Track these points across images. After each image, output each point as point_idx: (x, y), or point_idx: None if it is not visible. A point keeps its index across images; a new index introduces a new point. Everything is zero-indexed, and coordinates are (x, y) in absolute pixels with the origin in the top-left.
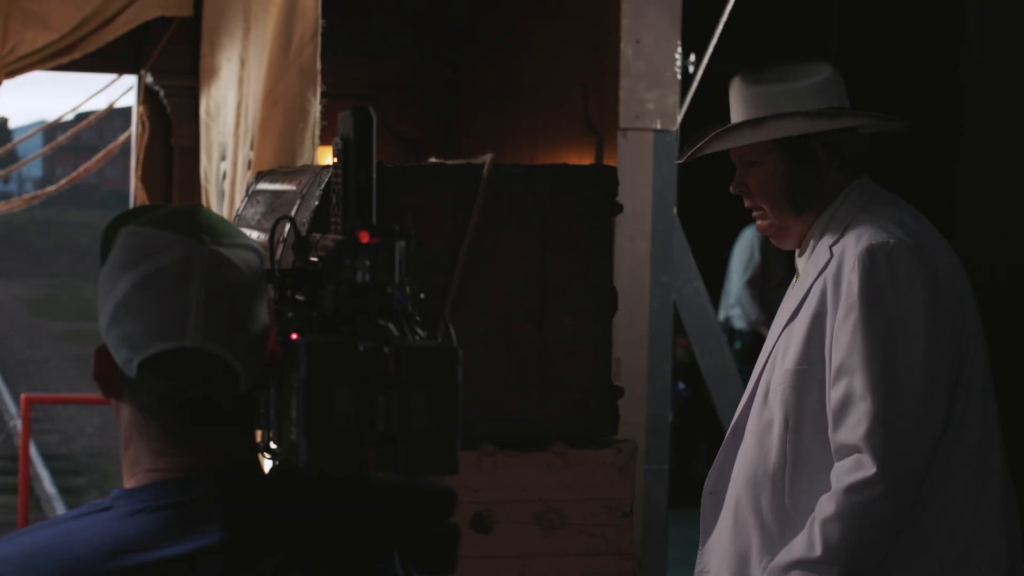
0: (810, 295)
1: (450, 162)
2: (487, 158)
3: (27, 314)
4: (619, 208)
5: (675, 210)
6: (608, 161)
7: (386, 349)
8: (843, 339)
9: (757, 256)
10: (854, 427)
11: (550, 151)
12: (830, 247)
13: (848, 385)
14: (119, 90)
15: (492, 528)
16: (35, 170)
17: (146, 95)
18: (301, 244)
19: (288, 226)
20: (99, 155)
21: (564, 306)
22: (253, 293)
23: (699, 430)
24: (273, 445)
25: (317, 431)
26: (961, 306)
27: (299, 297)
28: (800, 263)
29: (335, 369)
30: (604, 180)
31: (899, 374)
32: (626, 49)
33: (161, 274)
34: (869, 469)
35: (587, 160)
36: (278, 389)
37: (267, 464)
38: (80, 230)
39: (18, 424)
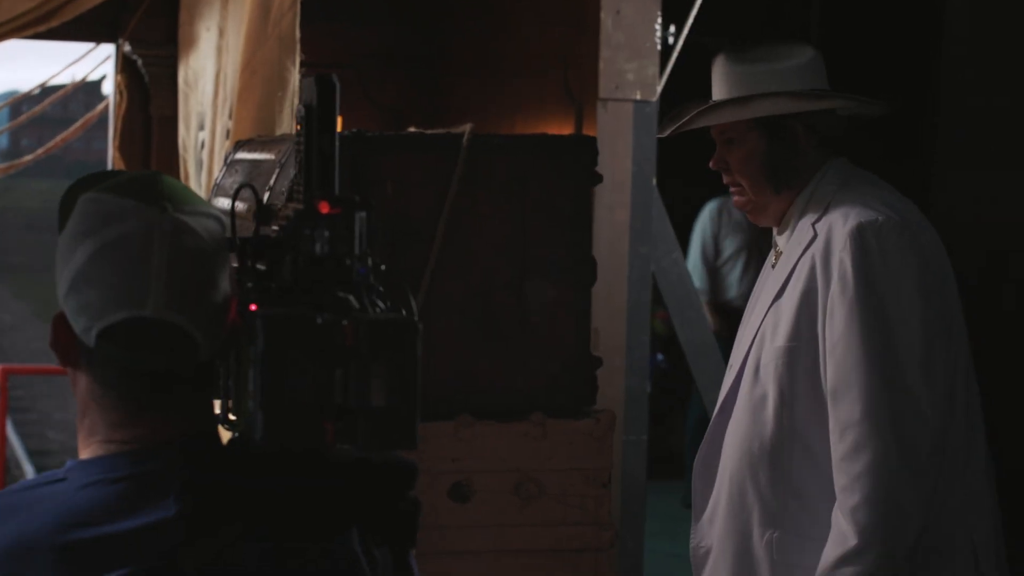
0: (796, 272)
1: (429, 131)
2: (467, 127)
3: None
4: (599, 178)
5: (654, 181)
6: (588, 132)
7: (345, 322)
8: (838, 317)
9: (708, 231)
10: (856, 404)
11: (530, 121)
12: (812, 225)
13: (847, 361)
14: (93, 61)
15: (470, 498)
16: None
17: (124, 64)
18: (262, 213)
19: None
20: (77, 124)
21: (543, 276)
22: (214, 262)
23: (677, 402)
24: (231, 416)
25: (274, 404)
26: (945, 279)
27: (259, 267)
28: (780, 241)
29: (293, 341)
30: (584, 150)
31: (899, 350)
32: (606, 20)
33: (121, 242)
34: (877, 448)
35: (567, 131)
36: (236, 360)
37: (225, 436)
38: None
39: None
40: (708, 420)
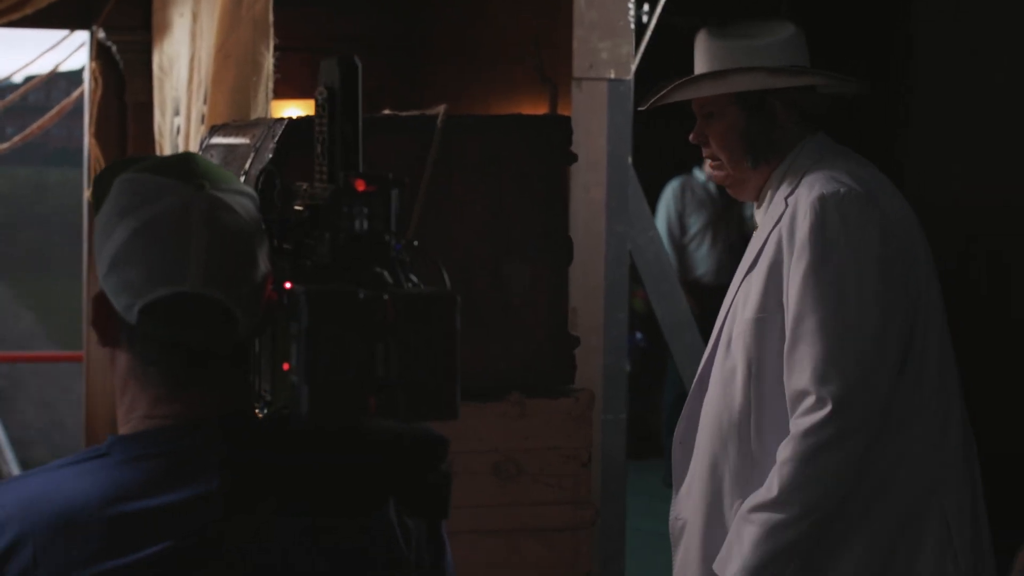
0: (767, 245)
1: (403, 114)
2: (440, 109)
3: None
4: (573, 157)
5: (630, 160)
6: (563, 111)
7: (385, 296)
8: (795, 285)
9: (673, 209)
10: (806, 371)
11: (505, 102)
12: (785, 198)
13: (800, 330)
14: (68, 48)
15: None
16: None
17: (98, 51)
18: (286, 193)
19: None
20: (52, 112)
21: (520, 256)
22: (252, 239)
23: (656, 380)
24: (265, 395)
25: (319, 379)
26: (913, 252)
27: (286, 246)
28: (759, 215)
29: (336, 317)
30: (558, 129)
31: (850, 316)
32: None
33: (160, 219)
34: (821, 411)
35: (542, 111)
36: (272, 338)
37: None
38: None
39: None
40: (685, 398)
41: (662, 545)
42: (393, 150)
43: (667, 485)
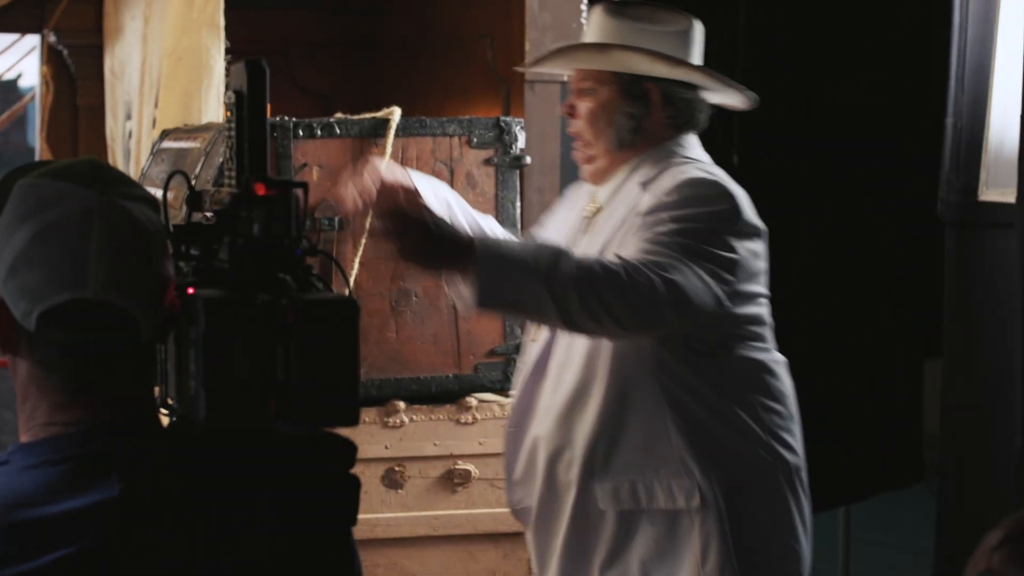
0: (619, 229)
1: (355, 116)
2: (393, 111)
3: None
4: (524, 160)
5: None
6: (516, 113)
7: (284, 301)
8: (646, 228)
9: None
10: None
11: (459, 104)
12: (641, 183)
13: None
14: (18, 53)
15: (403, 484)
16: None
17: (49, 55)
18: (193, 199)
19: (182, 181)
20: (3, 116)
21: None
22: (152, 244)
23: None
24: (170, 401)
25: (216, 384)
26: (763, 264)
27: (193, 252)
28: (601, 193)
29: (233, 322)
30: (508, 133)
31: (709, 256)
32: (532, 0)
33: (60, 224)
34: (667, 273)
35: (496, 113)
36: (175, 343)
37: (164, 420)
38: None
39: None
40: None
41: None
42: (345, 153)
43: None
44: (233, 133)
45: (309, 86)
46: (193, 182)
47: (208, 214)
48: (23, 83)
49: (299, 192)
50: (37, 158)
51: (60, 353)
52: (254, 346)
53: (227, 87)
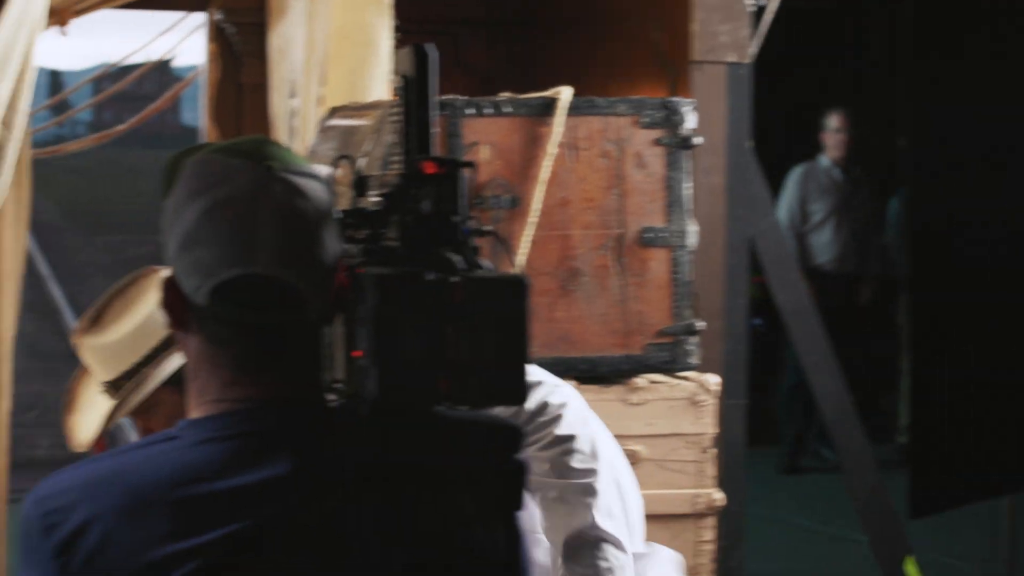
0: None
1: (523, 96)
2: (562, 91)
3: None
4: (695, 142)
5: (750, 144)
6: (681, 95)
7: (454, 279)
8: None
9: (795, 195)
10: None
11: (623, 85)
12: None
13: None
14: (179, 33)
15: None
16: (84, 114)
17: (215, 33)
18: (360, 183)
19: (349, 165)
20: (169, 94)
21: (640, 241)
22: (322, 222)
23: (772, 367)
24: (336, 380)
25: (387, 362)
26: None
27: (360, 234)
28: None
29: (403, 300)
30: (678, 113)
31: None
32: None
33: (232, 200)
34: None
35: (660, 94)
36: (343, 324)
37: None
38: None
39: None
40: (803, 385)
41: (780, 532)
42: (516, 132)
43: (781, 472)
44: (400, 118)
45: (472, 65)
46: (364, 160)
47: (374, 198)
48: (177, 64)
49: (467, 171)
50: (202, 136)
51: (230, 329)
52: (424, 324)
53: (395, 71)
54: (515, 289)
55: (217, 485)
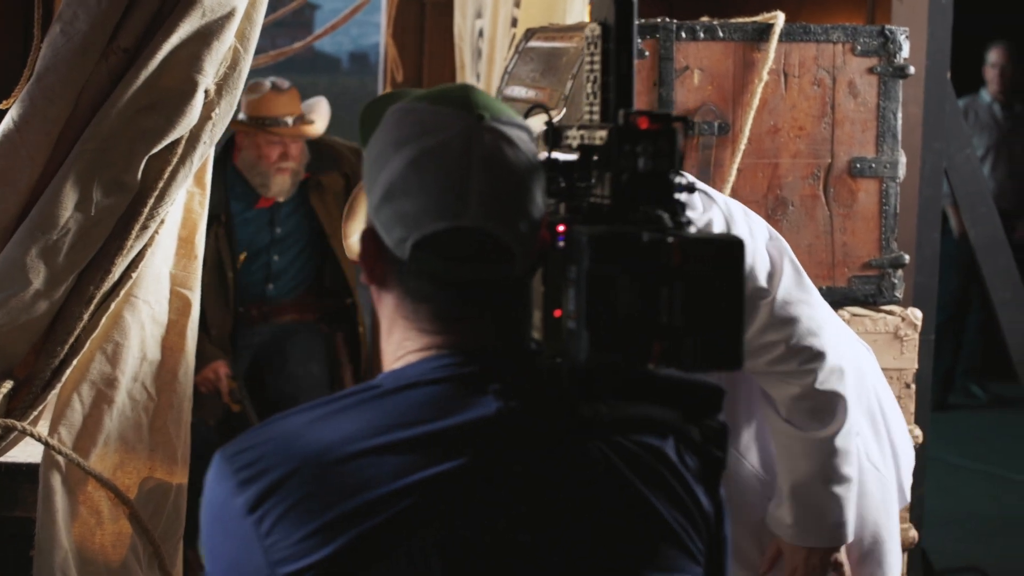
0: None
1: (736, 20)
2: (776, 15)
3: None
4: (909, 71)
5: (948, 75)
6: (880, 22)
7: (671, 239)
8: None
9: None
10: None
11: (817, 10)
12: None
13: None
14: None
15: None
16: None
17: None
18: (553, 134)
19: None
20: (347, 12)
21: (850, 171)
22: (531, 174)
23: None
24: (537, 335)
25: (599, 323)
26: None
27: (561, 185)
28: None
29: (618, 259)
30: (894, 42)
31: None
32: None
33: (440, 150)
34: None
35: (858, 21)
36: (544, 281)
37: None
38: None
39: None
40: (953, 322)
41: (947, 471)
42: (727, 58)
43: (935, 408)
44: (596, 66)
45: None
46: (571, 83)
47: (569, 151)
48: None
49: (678, 125)
50: (382, 55)
51: (433, 284)
52: (638, 285)
53: (592, 16)
54: (732, 251)
55: (423, 428)
